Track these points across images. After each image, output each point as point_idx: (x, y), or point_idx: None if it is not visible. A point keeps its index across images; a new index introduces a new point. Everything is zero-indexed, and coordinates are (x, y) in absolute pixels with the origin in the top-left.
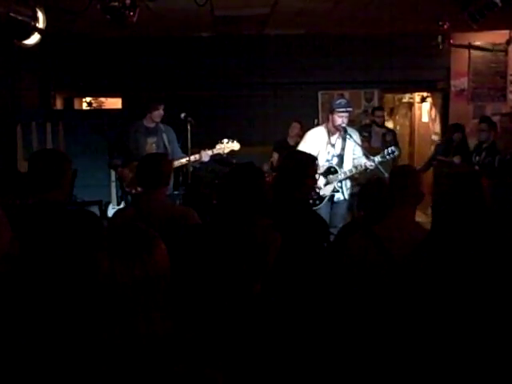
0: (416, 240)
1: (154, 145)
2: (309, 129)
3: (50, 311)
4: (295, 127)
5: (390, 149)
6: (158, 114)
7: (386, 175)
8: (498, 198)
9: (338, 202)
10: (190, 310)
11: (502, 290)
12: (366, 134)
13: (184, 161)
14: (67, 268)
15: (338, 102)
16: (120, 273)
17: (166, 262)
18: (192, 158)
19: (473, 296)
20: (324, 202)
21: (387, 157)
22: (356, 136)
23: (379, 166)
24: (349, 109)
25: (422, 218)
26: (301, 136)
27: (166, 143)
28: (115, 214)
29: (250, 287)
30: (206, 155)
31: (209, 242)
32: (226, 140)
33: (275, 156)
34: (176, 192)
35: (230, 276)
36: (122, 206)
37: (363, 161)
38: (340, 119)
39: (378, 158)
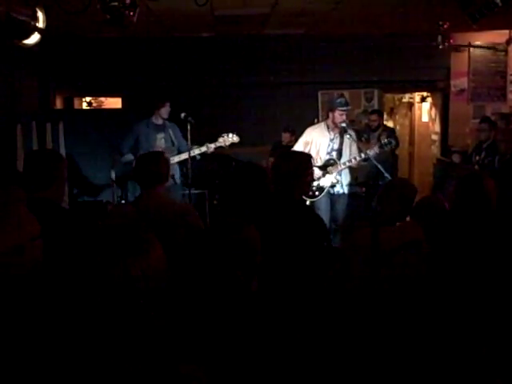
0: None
1: (162, 140)
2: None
3: (45, 311)
4: (286, 138)
5: (386, 140)
6: (166, 110)
7: (386, 174)
8: (498, 197)
9: (338, 195)
10: (188, 310)
11: (502, 286)
12: (366, 137)
13: (193, 152)
14: (60, 267)
15: (338, 100)
16: (114, 273)
17: (163, 262)
18: (197, 150)
19: (470, 293)
20: (323, 193)
21: (384, 147)
22: (354, 135)
23: (378, 165)
24: (348, 107)
25: None
26: (294, 140)
27: (173, 138)
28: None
29: (248, 287)
30: (210, 147)
31: (202, 248)
32: (225, 134)
33: (271, 160)
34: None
35: (226, 280)
36: None
37: (355, 149)
38: (341, 117)
39: (375, 149)
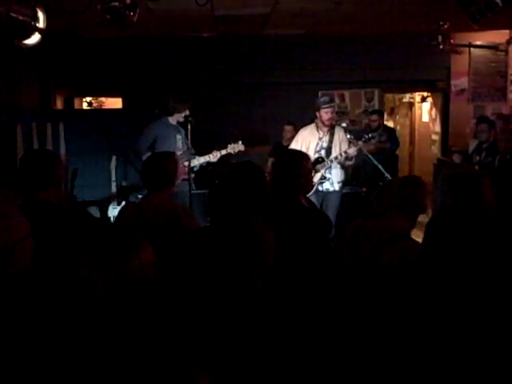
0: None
1: (181, 141)
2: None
3: (35, 312)
4: (288, 131)
5: (370, 134)
6: (184, 114)
7: (386, 174)
8: (497, 197)
9: (328, 193)
10: (188, 310)
11: (499, 289)
12: (366, 137)
13: (198, 161)
14: (57, 267)
15: (322, 99)
16: (96, 276)
17: (150, 266)
18: (202, 159)
19: (465, 296)
20: (313, 190)
21: (368, 142)
22: (342, 133)
23: (379, 165)
24: (332, 104)
25: (422, 217)
26: None
27: (187, 140)
28: (120, 211)
29: (254, 285)
30: (217, 155)
31: (208, 244)
32: (233, 143)
33: (271, 161)
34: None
35: (234, 276)
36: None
37: (345, 148)
38: (326, 115)
39: (360, 142)
